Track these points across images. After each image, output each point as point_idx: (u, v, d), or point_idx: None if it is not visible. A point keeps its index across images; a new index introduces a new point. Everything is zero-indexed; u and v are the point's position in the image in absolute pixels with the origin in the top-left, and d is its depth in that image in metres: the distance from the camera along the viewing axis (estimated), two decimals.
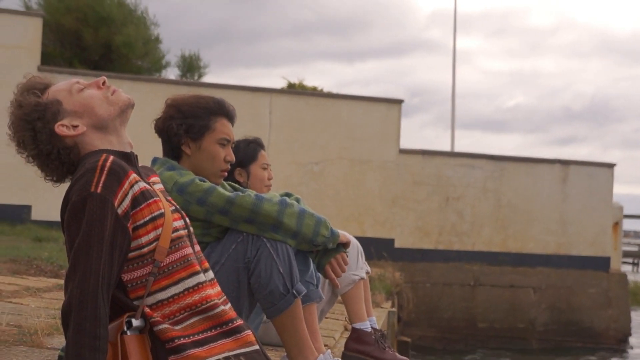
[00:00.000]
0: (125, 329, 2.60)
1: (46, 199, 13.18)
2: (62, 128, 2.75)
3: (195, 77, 21.41)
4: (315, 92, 17.42)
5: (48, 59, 16.43)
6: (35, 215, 13.14)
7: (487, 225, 15.52)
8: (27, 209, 13.15)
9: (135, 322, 2.62)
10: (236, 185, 3.92)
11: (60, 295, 6.18)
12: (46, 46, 16.73)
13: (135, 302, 2.65)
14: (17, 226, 12.15)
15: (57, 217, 9.26)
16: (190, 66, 21.34)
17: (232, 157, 3.75)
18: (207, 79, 21.96)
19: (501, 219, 15.56)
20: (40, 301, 5.81)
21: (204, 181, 3.61)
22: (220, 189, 3.58)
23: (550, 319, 15.55)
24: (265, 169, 4.77)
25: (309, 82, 20.38)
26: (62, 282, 6.98)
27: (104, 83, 2.84)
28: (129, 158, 2.78)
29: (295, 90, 17.92)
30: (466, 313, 15.30)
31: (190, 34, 41.19)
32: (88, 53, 18.39)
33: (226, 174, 3.78)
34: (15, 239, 10.29)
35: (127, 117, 2.85)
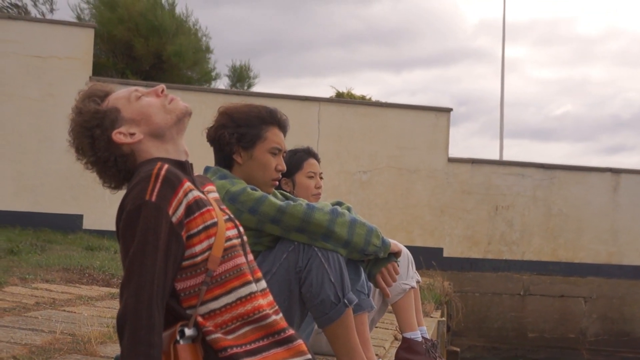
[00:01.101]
0: (178, 338, 2.60)
1: (97, 208, 13.31)
2: (119, 136, 2.77)
3: (245, 87, 21.52)
4: (363, 101, 17.43)
5: (100, 70, 16.61)
6: (87, 224, 13.27)
7: (537, 234, 15.38)
8: (79, 218, 13.29)
9: (188, 332, 2.62)
10: (288, 194, 3.93)
11: (113, 304, 6.24)
12: (98, 57, 16.92)
13: (187, 311, 2.66)
14: (69, 235, 12.28)
15: (108, 226, 9.37)
16: (240, 76, 21.45)
17: (283, 167, 3.76)
18: (257, 88, 22.07)
19: (551, 228, 15.41)
20: (93, 310, 5.87)
21: (256, 190, 3.62)
22: (271, 198, 3.59)
23: (602, 329, 15.35)
24: (311, 177, 4.76)
25: (357, 91, 20.40)
26: (114, 290, 7.06)
27: (162, 91, 2.85)
28: (184, 167, 2.78)
29: (343, 99, 17.94)
30: (516, 323, 15.17)
31: (240, 45, 41.33)
32: (139, 63, 18.55)
33: (277, 183, 3.79)
34: (68, 247, 10.39)
35: (184, 125, 2.87)
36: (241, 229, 2.88)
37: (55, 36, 13.56)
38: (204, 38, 20.43)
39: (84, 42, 13.63)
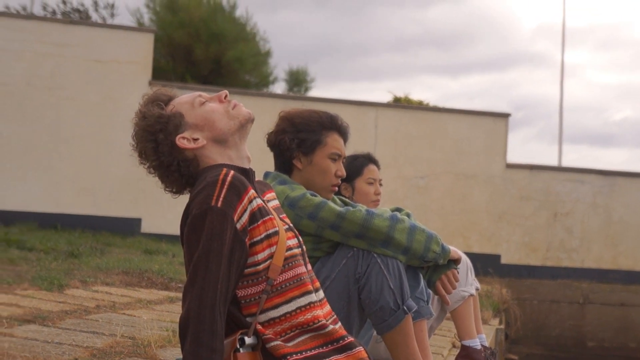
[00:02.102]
0: (238, 346, 2.61)
1: (156, 212, 13.42)
2: (182, 141, 2.78)
3: (302, 91, 21.59)
4: (421, 106, 17.35)
5: (159, 74, 16.76)
6: (145, 227, 13.39)
7: (597, 241, 15.18)
8: (138, 221, 13.41)
9: (248, 340, 2.62)
10: (347, 199, 3.92)
11: (172, 308, 6.29)
12: (157, 61, 17.07)
13: (247, 319, 2.66)
14: (127, 238, 12.39)
15: (166, 230, 9.44)
16: (297, 80, 21.53)
17: (342, 172, 3.76)
18: (313, 93, 22.12)
19: (612, 236, 15.20)
20: (152, 313, 5.91)
21: (315, 196, 3.61)
22: (331, 203, 3.59)
23: None
24: (371, 184, 4.74)
25: (414, 96, 20.33)
26: (172, 294, 7.11)
27: (225, 97, 2.87)
28: (247, 174, 2.79)
29: (401, 104, 17.88)
30: (575, 331, 14.98)
31: (297, 49, 41.45)
32: (198, 68, 18.70)
33: (337, 188, 3.78)
34: (127, 251, 10.49)
35: (247, 131, 2.87)
36: (300, 238, 2.88)
37: (115, 41, 13.72)
38: (261, 42, 20.56)
39: (143, 47, 13.76)
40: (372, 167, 4.78)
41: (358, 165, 4.74)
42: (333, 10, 46.44)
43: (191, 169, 2.80)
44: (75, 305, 5.73)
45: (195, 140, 2.79)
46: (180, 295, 7.14)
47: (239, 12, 20.27)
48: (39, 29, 13.50)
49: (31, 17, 15.29)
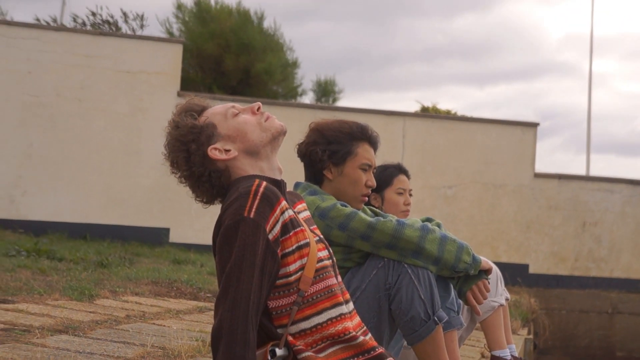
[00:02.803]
0: (269, 357, 2.62)
1: (184, 222, 13.48)
2: (214, 152, 2.79)
3: (330, 102, 21.64)
4: (448, 116, 17.33)
5: (188, 84, 16.84)
6: (173, 237, 13.45)
7: (625, 251, 15.09)
8: (166, 231, 13.47)
9: (279, 352, 2.63)
10: (377, 210, 3.92)
11: (201, 318, 6.31)
12: (186, 71, 17.16)
13: (279, 330, 2.66)
14: (156, 248, 12.45)
15: (194, 240, 9.46)
16: (326, 91, 21.57)
17: (373, 182, 3.77)
18: (341, 103, 22.15)
19: None
20: (181, 323, 5.93)
21: (346, 206, 3.62)
22: (361, 214, 3.59)
23: None
24: (401, 194, 4.74)
25: (442, 106, 20.32)
26: (201, 304, 7.13)
27: (258, 109, 2.88)
28: (279, 185, 2.80)
29: (428, 113, 17.87)
30: (604, 342, 14.88)
31: (324, 59, 41.52)
32: (227, 78, 18.77)
33: (367, 198, 3.79)
34: (155, 261, 10.53)
35: (279, 144, 2.88)
36: (331, 250, 2.88)
37: (144, 52, 13.80)
38: (288, 52, 20.61)
39: (172, 58, 13.84)
40: (402, 177, 4.77)
41: (388, 175, 4.74)
42: (359, 21, 46.51)
43: (222, 180, 2.82)
44: (106, 315, 5.76)
45: (227, 151, 2.80)
46: (209, 305, 7.17)
47: (266, 23, 20.36)
48: (69, 41, 13.61)
49: (61, 28, 15.41)
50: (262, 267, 2.56)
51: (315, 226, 2.93)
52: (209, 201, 2.89)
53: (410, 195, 4.80)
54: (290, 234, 2.65)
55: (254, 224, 2.56)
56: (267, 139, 2.84)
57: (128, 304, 6.56)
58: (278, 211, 2.63)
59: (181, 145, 2.82)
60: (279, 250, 2.62)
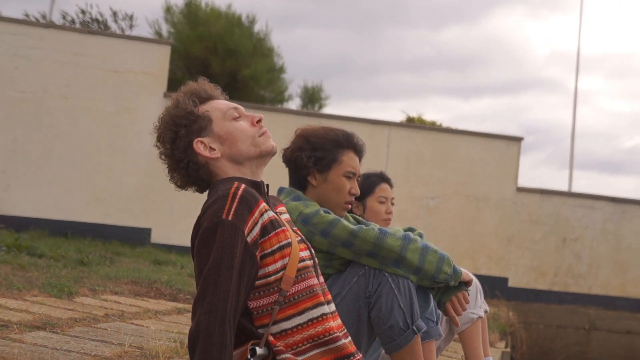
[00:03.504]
0: (249, 356, 2.62)
1: (166, 223, 13.47)
2: (199, 145, 2.80)
3: (316, 108, 21.68)
4: (434, 127, 17.38)
5: (175, 85, 16.79)
6: (155, 238, 13.43)
7: (605, 268, 15.16)
8: (147, 231, 13.45)
9: (259, 350, 2.64)
10: (360, 218, 3.94)
11: (180, 319, 6.31)
12: (173, 72, 17.15)
13: (259, 330, 2.68)
14: (137, 248, 12.44)
15: (175, 241, 9.45)
16: (312, 97, 21.62)
17: (356, 190, 3.78)
18: (327, 110, 22.20)
19: (620, 263, 15.17)
20: (160, 324, 5.93)
21: (329, 213, 3.64)
22: (344, 221, 3.61)
23: None
24: (382, 202, 4.75)
25: (426, 117, 20.37)
26: (180, 305, 7.13)
27: (258, 121, 2.87)
28: (259, 187, 2.81)
29: (414, 124, 17.92)
30: (580, 357, 14.93)
31: (311, 66, 41.55)
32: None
33: (350, 206, 3.80)
34: (136, 260, 10.52)
35: (265, 162, 2.88)
36: (312, 250, 2.90)
37: (132, 51, 13.79)
38: (276, 57, 20.64)
39: (160, 58, 13.84)
40: (384, 185, 4.79)
41: (370, 183, 4.75)
42: (347, 29, 46.54)
43: (200, 173, 2.82)
44: (84, 313, 5.75)
45: (212, 150, 2.81)
46: (188, 306, 7.17)
47: (257, 27, 20.37)
48: (57, 38, 13.59)
49: (50, 25, 15.37)
50: (241, 270, 2.57)
51: (296, 228, 2.94)
52: (182, 186, 2.89)
53: (392, 204, 4.81)
54: (271, 235, 2.67)
55: (232, 226, 2.57)
56: (254, 154, 2.83)
57: (107, 302, 6.56)
58: (257, 213, 2.64)
59: (172, 125, 2.81)
60: (257, 252, 2.63)
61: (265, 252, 2.66)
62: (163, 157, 2.86)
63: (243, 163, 2.82)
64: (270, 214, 2.70)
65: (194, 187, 2.87)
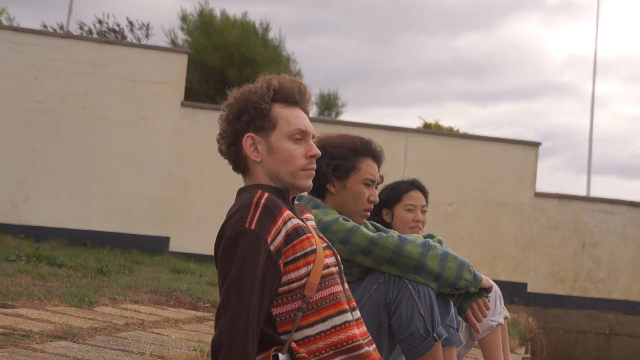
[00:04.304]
0: None
1: (184, 231, 13.50)
2: (247, 139, 2.80)
3: (333, 115, 21.71)
4: (451, 133, 17.36)
5: (191, 95, 16.88)
6: (173, 246, 13.46)
7: (625, 273, 15.09)
8: (166, 240, 13.49)
9: (282, 357, 2.64)
10: (379, 225, 3.94)
11: (199, 328, 6.32)
12: (190, 82, 17.20)
13: (282, 337, 2.68)
14: (156, 257, 12.46)
15: (194, 249, 9.46)
16: (329, 104, 21.64)
17: (375, 198, 3.78)
18: (343, 117, 22.22)
19: None
20: (180, 332, 5.94)
21: (348, 220, 3.64)
22: (363, 229, 3.61)
23: None
24: (410, 210, 4.73)
25: (443, 123, 20.35)
26: (200, 314, 7.15)
27: (312, 156, 2.85)
28: (284, 194, 2.80)
29: (431, 130, 17.90)
30: None
31: (328, 73, 41.62)
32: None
33: (369, 213, 3.80)
34: (155, 269, 10.54)
35: (295, 193, 2.87)
36: (338, 257, 2.89)
37: (149, 61, 13.84)
38: (292, 64, 20.68)
39: (177, 68, 13.88)
40: (414, 193, 4.76)
41: (398, 191, 4.74)
42: (365, 37, 46.62)
43: (238, 159, 2.84)
44: (105, 323, 5.77)
45: (256, 151, 2.81)
46: (207, 314, 7.18)
47: (271, 34, 20.41)
48: (75, 48, 13.65)
49: (67, 35, 15.47)
50: (263, 279, 2.58)
51: (322, 234, 2.94)
52: (223, 154, 2.89)
53: (424, 211, 4.78)
54: (295, 242, 2.67)
55: (255, 235, 2.58)
56: (288, 181, 2.82)
57: (127, 311, 6.58)
58: (280, 222, 2.64)
59: (242, 105, 2.82)
60: (281, 261, 2.63)
61: (289, 259, 2.66)
62: (221, 122, 2.87)
63: (274, 181, 2.82)
64: (295, 221, 2.70)
65: (231, 166, 2.88)
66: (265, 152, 2.80)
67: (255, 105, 2.79)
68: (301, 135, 2.83)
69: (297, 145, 2.83)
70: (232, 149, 2.82)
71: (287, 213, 2.68)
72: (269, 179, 2.81)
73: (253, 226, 2.59)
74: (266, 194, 2.66)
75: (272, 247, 2.60)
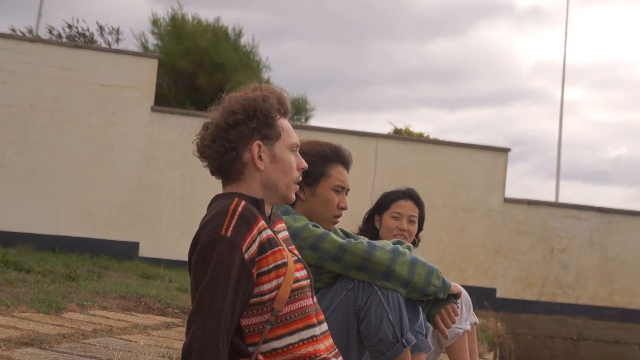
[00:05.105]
0: None
1: (154, 237, 13.44)
2: (256, 147, 2.78)
3: (302, 120, 21.71)
4: (421, 139, 17.40)
5: (161, 99, 16.82)
6: (143, 252, 13.39)
7: (592, 278, 15.20)
8: (136, 245, 13.42)
9: None
10: (349, 231, 3.95)
11: (168, 334, 6.29)
12: (160, 87, 17.14)
13: (250, 348, 2.67)
14: (125, 262, 12.39)
15: (163, 255, 9.41)
16: (298, 109, 21.64)
17: (345, 204, 3.79)
18: (312, 122, 22.23)
19: (607, 273, 15.21)
20: (148, 338, 5.91)
21: (317, 227, 3.64)
22: (333, 235, 3.61)
23: None
24: (396, 218, 4.76)
25: (413, 128, 20.39)
26: (169, 320, 7.12)
27: (302, 169, 2.90)
28: (259, 204, 2.79)
29: (401, 135, 17.95)
30: None
31: (298, 78, 41.58)
32: (201, 95, 18.81)
33: (338, 220, 3.81)
34: (124, 275, 10.49)
35: (276, 204, 2.89)
36: (309, 270, 2.89)
37: (119, 65, 13.78)
38: (264, 69, 20.67)
39: (147, 72, 13.82)
40: (403, 202, 4.79)
41: (390, 199, 4.79)
42: (334, 42, 46.63)
43: (234, 164, 2.78)
44: (73, 329, 5.74)
45: (260, 159, 2.79)
46: (177, 321, 7.16)
47: (244, 40, 20.39)
48: (44, 52, 13.56)
49: (36, 39, 15.35)
50: (236, 287, 2.57)
51: (293, 246, 2.94)
52: (206, 157, 2.82)
53: (412, 221, 4.80)
54: (268, 253, 2.67)
55: (231, 243, 2.57)
56: (282, 193, 2.84)
57: (95, 317, 6.54)
58: (255, 231, 2.64)
59: (249, 111, 2.78)
60: (254, 270, 2.63)
61: (262, 270, 2.66)
62: (214, 124, 2.80)
63: (268, 190, 2.82)
64: (268, 232, 2.70)
65: (216, 170, 2.82)
66: (269, 161, 2.80)
67: (266, 113, 2.78)
68: (296, 148, 2.88)
69: (294, 157, 2.87)
70: (230, 154, 2.77)
71: (262, 223, 2.68)
72: (263, 187, 2.80)
73: (229, 234, 2.58)
74: (243, 202, 2.66)
75: (246, 256, 2.60)
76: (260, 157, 2.78)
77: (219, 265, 2.55)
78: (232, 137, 2.76)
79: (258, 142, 2.78)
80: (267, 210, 2.83)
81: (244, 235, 2.61)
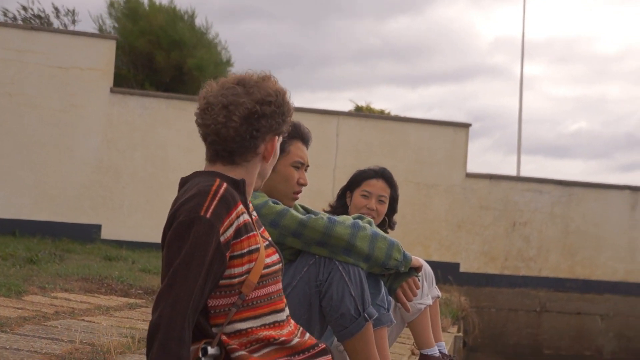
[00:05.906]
0: (200, 355, 2.61)
1: (116, 219, 13.37)
2: (278, 140, 2.83)
3: None
4: (382, 116, 17.44)
5: (120, 81, 16.69)
6: (105, 234, 13.32)
7: (554, 251, 15.35)
8: (98, 228, 13.34)
9: (211, 350, 2.62)
10: (309, 207, 3.94)
11: (131, 315, 6.28)
12: (119, 68, 17.00)
13: (213, 329, 2.66)
14: (87, 245, 12.33)
15: (126, 237, 9.40)
16: None
17: (305, 180, 3.78)
18: None
19: (569, 245, 15.37)
20: (111, 320, 5.89)
21: (277, 203, 3.63)
22: (293, 211, 3.60)
23: (618, 347, 15.29)
24: (365, 196, 4.78)
25: (374, 106, 20.42)
26: (132, 301, 7.09)
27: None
28: (238, 185, 2.75)
29: (362, 113, 17.96)
30: (532, 339, 15.12)
31: (259, 58, 41.45)
32: (160, 75, 18.69)
33: (298, 196, 3.80)
34: (86, 257, 10.44)
35: (258, 185, 2.92)
36: (281, 254, 2.89)
37: (77, 47, 13.65)
38: (223, 51, 20.57)
39: (105, 54, 13.72)
40: (374, 181, 4.82)
41: (361, 177, 4.81)
42: (294, 22, 46.58)
43: (242, 150, 2.76)
44: (34, 312, 5.70)
45: (271, 153, 2.84)
46: (139, 301, 7.13)
47: (198, 22, 20.28)
48: (0, 35, 13.40)
49: None
50: (209, 268, 2.56)
51: (264, 228, 2.93)
52: (206, 136, 2.75)
53: (382, 201, 4.81)
54: (243, 237, 2.65)
55: (209, 224, 2.55)
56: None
57: (57, 300, 6.51)
58: (234, 215, 2.62)
59: (279, 108, 2.79)
60: (228, 253, 2.62)
61: (235, 253, 2.65)
62: (244, 108, 2.73)
63: (262, 179, 2.88)
64: (246, 217, 2.68)
65: (223, 150, 2.74)
66: (273, 159, 2.88)
67: (289, 114, 2.85)
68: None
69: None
70: (252, 142, 2.74)
71: (241, 207, 2.67)
72: (259, 176, 2.85)
73: (208, 215, 2.56)
74: (224, 184, 2.63)
75: (222, 239, 2.58)
76: (273, 151, 2.84)
77: (195, 245, 2.53)
78: (261, 126, 2.75)
79: (277, 137, 2.82)
80: (250, 192, 2.82)
81: (223, 218, 2.59)
